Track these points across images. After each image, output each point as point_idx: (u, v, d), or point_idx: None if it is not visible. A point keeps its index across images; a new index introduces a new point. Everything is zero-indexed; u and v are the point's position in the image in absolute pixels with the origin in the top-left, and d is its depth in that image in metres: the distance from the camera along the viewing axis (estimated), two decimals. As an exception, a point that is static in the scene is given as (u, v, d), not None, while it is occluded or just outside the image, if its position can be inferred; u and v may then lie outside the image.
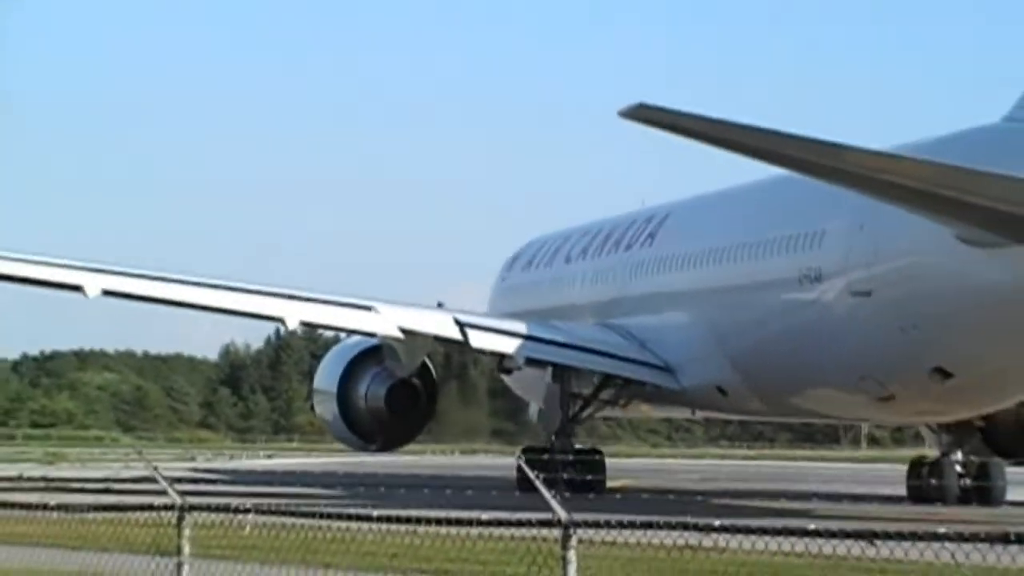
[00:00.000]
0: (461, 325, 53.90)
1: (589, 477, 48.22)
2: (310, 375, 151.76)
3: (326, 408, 57.63)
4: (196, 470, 71.60)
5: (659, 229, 57.57)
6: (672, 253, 55.79)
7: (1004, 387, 44.49)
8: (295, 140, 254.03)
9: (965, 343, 42.16)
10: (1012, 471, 54.55)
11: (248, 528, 22.36)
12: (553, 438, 55.98)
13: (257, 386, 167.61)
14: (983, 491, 49.56)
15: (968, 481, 50.11)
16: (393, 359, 55.51)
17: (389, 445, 59.16)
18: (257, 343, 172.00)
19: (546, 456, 53.80)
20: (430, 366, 57.40)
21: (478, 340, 53.96)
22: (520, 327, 56.90)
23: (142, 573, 18.87)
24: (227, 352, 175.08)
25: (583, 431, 66.46)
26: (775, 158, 37.99)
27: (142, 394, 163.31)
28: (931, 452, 53.83)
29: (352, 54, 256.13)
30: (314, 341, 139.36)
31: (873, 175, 37.14)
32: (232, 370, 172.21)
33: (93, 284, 50.42)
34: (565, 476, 49.36)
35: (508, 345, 54.74)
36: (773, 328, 49.07)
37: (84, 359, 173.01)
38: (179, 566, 16.87)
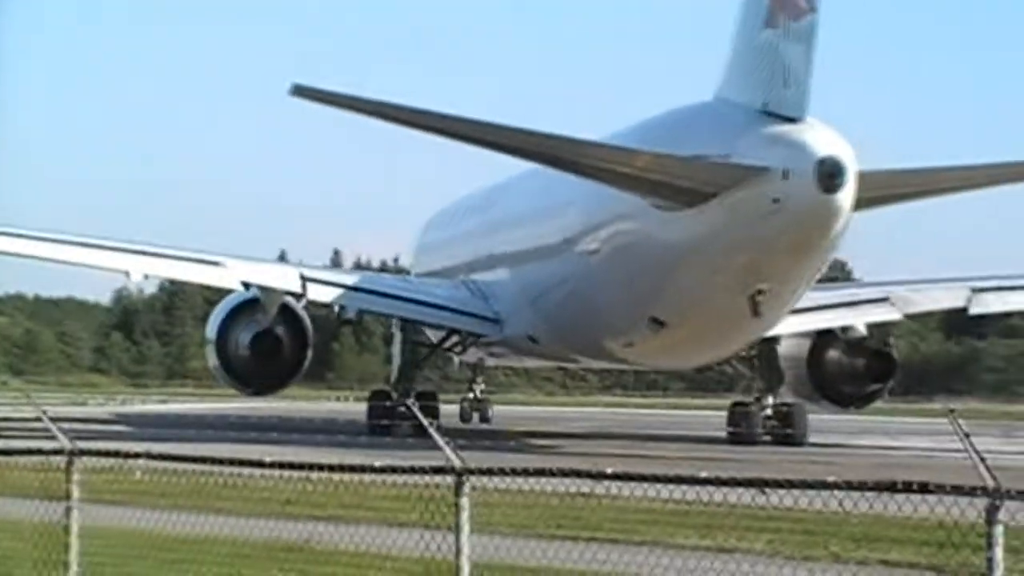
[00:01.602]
0: (304, 279, 59.04)
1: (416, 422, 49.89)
2: (204, 321, 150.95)
3: (210, 355, 61.74)
4: (87, 415, 71.02)
5: (503, 194, 62.74)
6: (503, 217, 61.16)
7: (711, 334, 49.31)
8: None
9: (666, 294, 46.99)
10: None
11: (139, 473, 22.21)
12: (396, 383, 63.30)
13: (150, 331, 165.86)
14: (786, 435, 55.18)
15: (774, 424, 55.95)
16: (262, 311, 59.59)
17: (263, 390, 63.25)
18: (150, 288, 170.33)
19: (390, 399, 60.70)
20: (301, 316, 60.98)
21: (316, 293, 59.18)
22: (361, 282, 64.33)
23: (30, 518, 18.64)
24: (120, 296, 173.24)
25: (486, 378, 74.37)
26: (431, 131, 44.95)
27: (32, 337, 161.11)
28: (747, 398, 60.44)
29: None
30: (208, 287, 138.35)
31: (551, 153, 45.18)
32: (125, 314, 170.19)
33: None
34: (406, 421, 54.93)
35: (343, 298, 60.95)
36: (552, 284, 54.23)
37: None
38: (68, 511, 16.67)
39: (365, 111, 44.48)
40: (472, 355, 68.74)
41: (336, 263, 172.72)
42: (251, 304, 60.17)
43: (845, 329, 58.00)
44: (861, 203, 42.27)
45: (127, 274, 58.22)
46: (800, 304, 53.79)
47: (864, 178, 41.76)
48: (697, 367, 64.52)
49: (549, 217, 54.15)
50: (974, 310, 59.26)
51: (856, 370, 58.02)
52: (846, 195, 41.19)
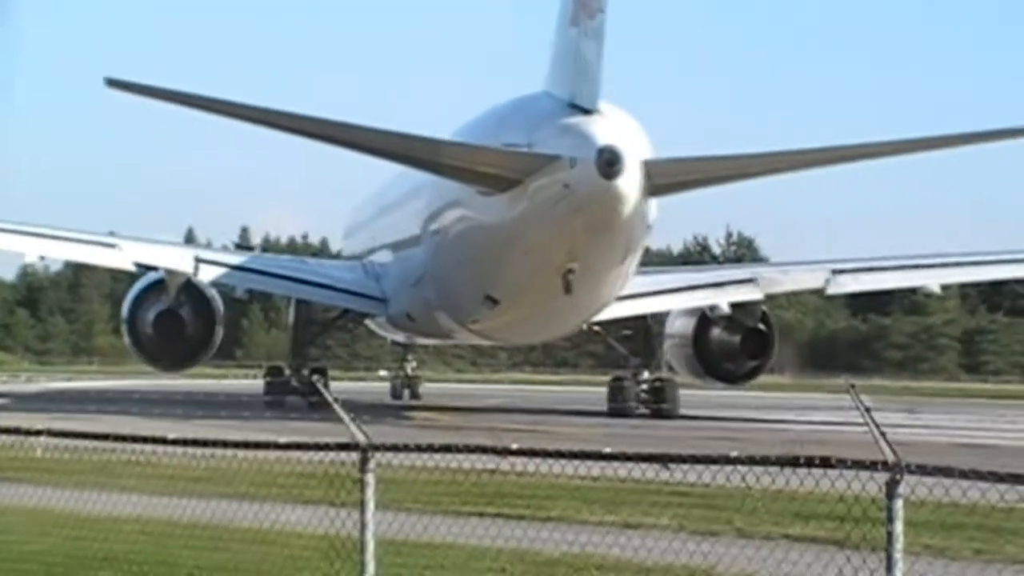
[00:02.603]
0: (198, 260, 62.27)
1: (315, 400, 54.51)
2: (111, 298, 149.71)
3: (124, 333, 64.42)
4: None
5: (400, 177, 63.39)
6: (392, 200, 63.19)
7: (537, 311, 51.75)
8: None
9: (493, 274, 50.21)
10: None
11: (40, 450, 21.97)
12: (289, 359, 67.63)
13: (56, 308, 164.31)
14: (659, 409, 59.30)
15: (647, 398, 60.43)
16: (166, 291, 62.08)
17: (172, 366, 66.36)
18: (56, 265, 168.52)
19: (284, 375, 65.66)
20: (208, 295, 63.65)
21: (207, 274, 62.09)
22: (253, 262, 68.04)
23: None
24: (25, 273, 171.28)
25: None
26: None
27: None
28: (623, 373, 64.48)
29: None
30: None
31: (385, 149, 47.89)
32: (30, 291, 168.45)
33: None
34: (310, 396, 59.47)
35: (234, 278, 64.26)
36: (416, 265, 57.15)
37: None
38: (-33, 488, 16.48)
39: (186, 103, 46.75)
40: (402, 334, 71.19)
41: (244, 239, 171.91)
42: (160, 284, 62.23)
43: (713, 308, 61.48)
44: (658, 189, 45.60)
45: (22, 255, 62.56)
46: (669, 284, 61.59)
47: (653, 166, 44.69)
48: (543, 342, 69.88)
49: (413, 201, 56.67)
50: (830, 290, 63.01)
51: (734, 347, 61.61)
52: (626, 181, 43.78)
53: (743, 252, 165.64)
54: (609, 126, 44.48)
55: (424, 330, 63.80)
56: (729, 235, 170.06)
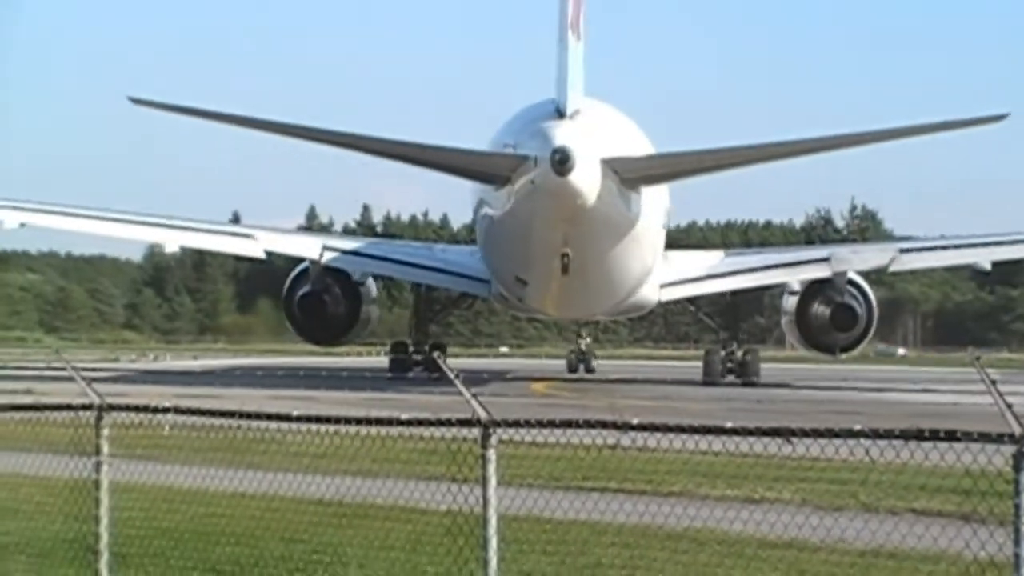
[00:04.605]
0: (324, 248, 67.14)
1: (436, 376, 58.24)
2: (235, 277, 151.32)
3: (283, 310, 69.71)
4: (119, 370, 71.56)
5: None
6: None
7: (556, 291, 56.34)
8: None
9: (516, 257, 55.78)
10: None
11: (167, 428, 22.27)
12: (411, 336, 72.78)
13: (182, 287, 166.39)
14: (743, 379, 64.98)
15: (731, 367, 66.70)
16: (310, 274, 66.77)
17: (321, 341, 71.00)
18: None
19: (407, 351, 70.87)
20: (354, 280, 67.85)
21: (330, 260, 66.58)
22: (373, 248, 72.61)
23: (62, 473, 18.71)
24: (152, 253, 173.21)
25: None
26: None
27: (65, 295, 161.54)
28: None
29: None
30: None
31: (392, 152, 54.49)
32: (156, 271, 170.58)
33: (12, 219, 64.41)
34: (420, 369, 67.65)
35: (353, 263, 68.10)
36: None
37: (6, 260, 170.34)
38: (98, 465, 16.69)
39: (208, 117, 56.27)
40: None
41: (366, 218, 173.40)
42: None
43: (786, 285, 66.48)
44: (631, 182, 50.90)
45: (163, 247, 69.89)
46: (749, 264, 67.41)
47: (616, 163, 49.73)
48: (585, 319, 76.37)
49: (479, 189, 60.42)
50: (893, 268, 66.63)
51: (825, 321, 65.10)
52: (580, 177, 48.87)
53: (867, 225, 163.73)
54: (572, 128, 49.53)
55: (516, 307, 67.92)
56: (853, 208, 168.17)
